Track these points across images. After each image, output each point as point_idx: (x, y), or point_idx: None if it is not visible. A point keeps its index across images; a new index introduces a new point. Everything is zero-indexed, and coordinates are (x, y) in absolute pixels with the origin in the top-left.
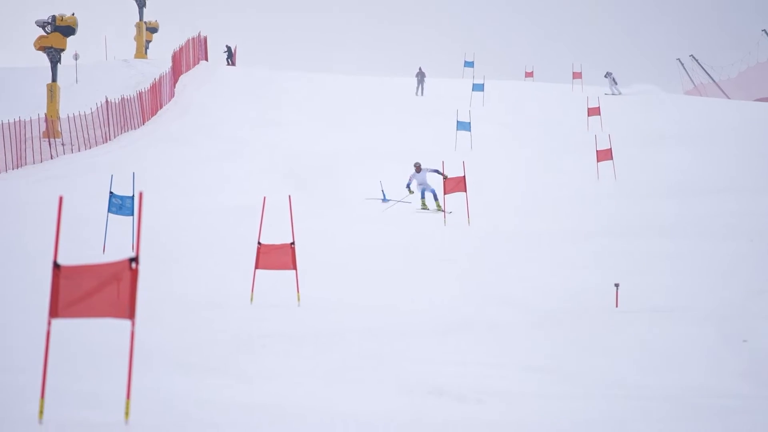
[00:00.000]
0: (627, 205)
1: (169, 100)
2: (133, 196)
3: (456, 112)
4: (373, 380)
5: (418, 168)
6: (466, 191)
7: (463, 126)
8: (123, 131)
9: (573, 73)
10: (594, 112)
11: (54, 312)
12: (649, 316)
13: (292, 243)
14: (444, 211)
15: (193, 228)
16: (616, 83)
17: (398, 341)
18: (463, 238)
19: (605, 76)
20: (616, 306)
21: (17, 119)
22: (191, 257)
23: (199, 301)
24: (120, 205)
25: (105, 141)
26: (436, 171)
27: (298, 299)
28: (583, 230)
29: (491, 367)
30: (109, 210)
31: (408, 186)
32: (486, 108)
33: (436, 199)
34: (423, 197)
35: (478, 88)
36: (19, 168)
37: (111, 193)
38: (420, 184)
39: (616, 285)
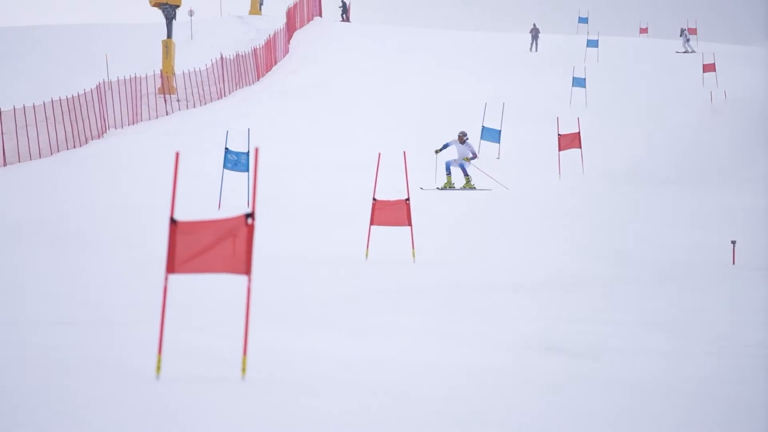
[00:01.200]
0: (743, 162)
1: (284, 56)
2: (248, 152)
3: (572, 68)
4: (488, 336)
5: (462, 139)
6: (581, 147)
7: (579, 82)
8: (238, 87)
9: (687, 29)
10: (709, 68)
11: (171, 268)
12: (766, 273)
13: (407, 199)
14: (474, 187)
15: (308, 183)
16: (688, 41)
17: (513, 297)
18: (578, 194)
19: (680, 35)
20: (733, 263)
21: (133, 76)
22: (306, 213)
23: (315, 257)
24: (235, 161)
25: (220, 97)
26: (473, 152)
27: (413, 255)
28: (701, 188)
29: (607, 324)
30: (225, 166)
31: (443, 148)
32: (601, 64)
33: (466, 174)
34: (449, 172)
35: (593, 44)
36: (135, 124)
37: (227, 149)
38: (456, 159)
39: (733, 242)
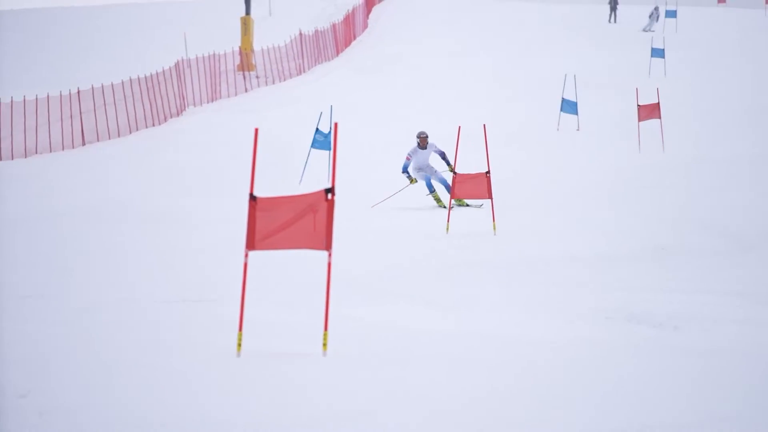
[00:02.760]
0: None
1: (363, 31)
2: (330, 130)
3: (650, 39)
4: (569, 307)
5: (423, 142)
6: (660, 118)
7: (657, 53)
8: (317, 63)
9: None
10: None
11: (251, 244)
12: None
13: (488, 172)
14: (468, 204)
15: (389, 158)
16: (657, 20)
17: (595, 268)
18: (660, 164)
19: (650, 16)
20: None
21: (212, 53)
22: (386, 186)
23: (396, 230)
24: (323, 141)
25: (299, 73)
26: (443, 156)
27: (494, 228)
28: None
29: (688, 293)
30: (313, 145)
31: (405, 170)
32: (679, 35)
33: (449, 190)
34: (431, 189)
35: (671, 14)
36: (214, 101)
37: (317, 129)
38: (419, 169)
39: None
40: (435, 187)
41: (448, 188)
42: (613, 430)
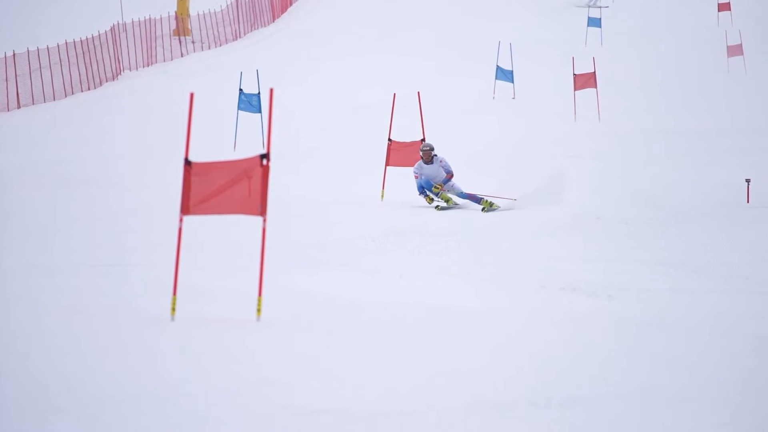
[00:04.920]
0: (759, 102)
1: None
2: (259, 93)
3: (587, 9)
4: (504, 277)
5: (426, 156)
6: (596, 87)
7: (594, 22)
8: (253, 28)
9: None
10: (724, 7)
11: (185, 209)
12: None
13: (423, 139)
14: (496, 206)
15: (324, 125)
16: None
17: (528, 238)
18: (593, 136)
19: None
20: (747, 202)
21: (147, 17)
22: (320, 155)
23: (330, 199)
24: (248, 102)
25: (235, 38)
26: (447, 169)
27: (430, 198)
28: (714, 127)
29: (622, 263)
30: (239, 107)
31: (421, 190)
32: (614, 6)
33: (480, 200)
34: (426, 192)
35: None
36: (150, 66)
37: (240, 90)
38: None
39: (747, 180)
40: (457, 201)
41: (475, 199)
42: (547, 398)
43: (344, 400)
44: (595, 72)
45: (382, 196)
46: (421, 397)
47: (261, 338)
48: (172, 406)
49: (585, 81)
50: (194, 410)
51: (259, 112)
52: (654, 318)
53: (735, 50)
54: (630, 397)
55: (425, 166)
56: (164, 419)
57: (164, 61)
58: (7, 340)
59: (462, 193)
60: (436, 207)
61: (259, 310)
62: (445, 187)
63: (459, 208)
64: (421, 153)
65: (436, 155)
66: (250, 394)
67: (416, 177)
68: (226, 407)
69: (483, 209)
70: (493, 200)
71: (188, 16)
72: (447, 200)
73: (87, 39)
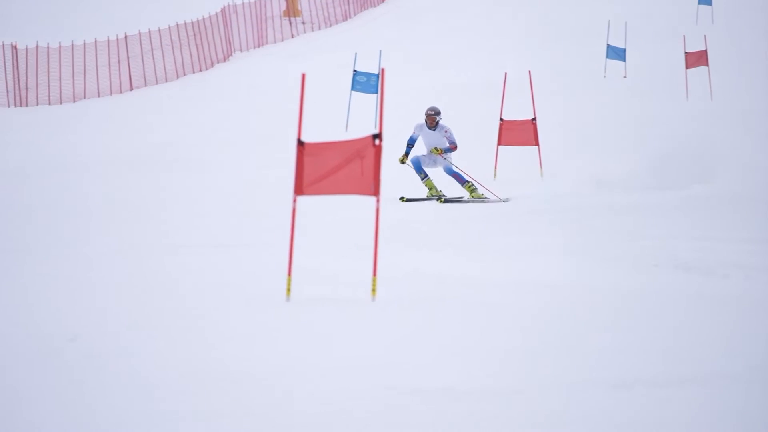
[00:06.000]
0: None
1: None
2: (378, 73)
3: None
4: (616, 256)
5: (433, 120)
6: (708, 65)
7: (705, 0)
8: (363, 9)
9: None
10: None
11: (299, 189)
12: None
13: (534, 119)
14: (485, 197)
15: (438, 104)
16: None
17: (643, 217)
18: (708, 113)
19: None
20: None
21: None
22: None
23: (445, 175)
24: (364, 82)
25: (345, 19)
26: (451, 140)
27: (541, 174)
28: None
29: (736, 242)
30: (353, 88)
31: (412, 143)
32: None
33: (464, 182)
34: (422, 174)
35: None
36: (261, 47)
37: (355, 71)
38: (427, 155)
39: None
40: (442, 177)
41: (459, 180)
42: (666, 378)
43: (457, 379)
44: (706, 50)
45: (495, 175)
46: (535, 376)
47: (376, 317)
48: (288, 385)
49: (696, 59)
50: (309, 390)
51: (375, 92)
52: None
53: None
54: (749, 378)
55: (427, 131)
56: (280, 398)
57: (274, 42)
58: (128, 318)
59: (450, 168)
60: (438, 199)
61: (374, 290)
62: (446, 167)
63: (457, 201)
64: (425, 116)
65: (440, 119)
66: (365, 373)
67: (414, 132)
68: (339, 386)
69: (471, 195)
70: (484, 191)
71: None
72: (431, 188)
73: (198, 20)
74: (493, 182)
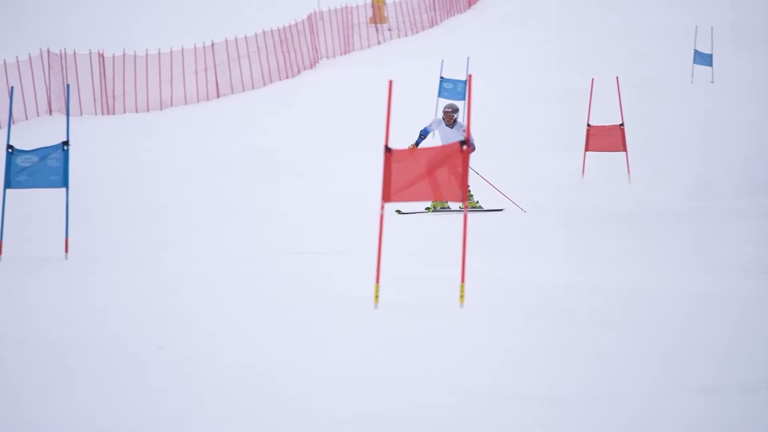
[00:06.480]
0: None
1: None
2: (465, 80)
3: None
4: (704, 260)
5: (450, 117)
6: None
7: None
8: (449, 15)
9: None
10: None
11: (387, 196)
12: None
13: (622, 124)
14: (480, 206)
15: (523, 111)
16: None
17: (733, 222)
18: None
19: None
20: None
21: (344, 6)
22: (518, 139)
23: (531, 181)
24: (451, 89)
25: (431, 25)
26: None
27: (629, 179)
28: None
29: None
30: (440, 95)
31: (424, 134)
32: None
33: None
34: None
35: None
36: (347, 54)
37: (441, 77)
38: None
39: None
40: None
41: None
42: (755, 384)
43: (549, 385)
44: None
45: (583, 173)
46: (628, 381)
47: (464, 323)
48: (374, 389)
49: None
50: (395, 396)
51: (463, 99)
52: None
53: None
54: None
55: (445, 127)
56: (367, 403)
57: (361, 48)
58: (222, 325)
59: None
60: (427, 209)
61: (462, 297)
62: None
63: (449, 210)
64: (443, 113)
65: (457, 117)
66: (451, 379)
67: (430, 125)
68: (426, 391)
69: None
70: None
71: (384, 3)
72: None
73: (284, 28)
74: (581, 186)
